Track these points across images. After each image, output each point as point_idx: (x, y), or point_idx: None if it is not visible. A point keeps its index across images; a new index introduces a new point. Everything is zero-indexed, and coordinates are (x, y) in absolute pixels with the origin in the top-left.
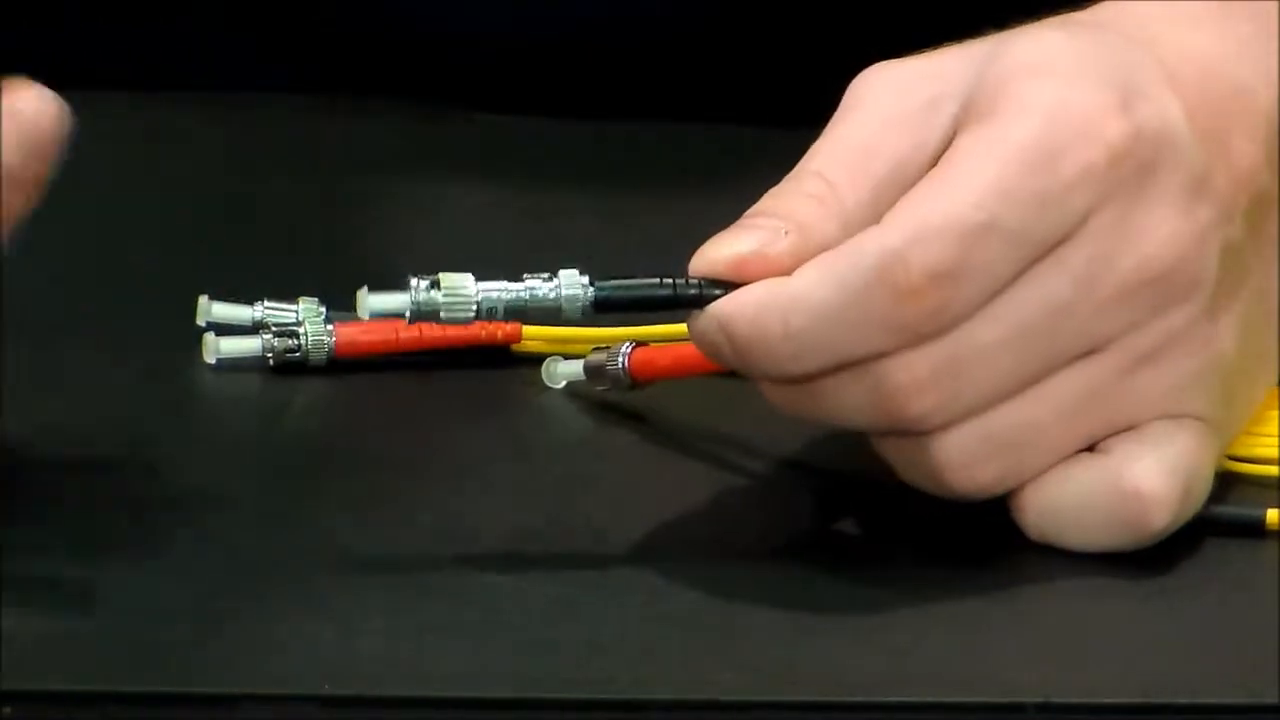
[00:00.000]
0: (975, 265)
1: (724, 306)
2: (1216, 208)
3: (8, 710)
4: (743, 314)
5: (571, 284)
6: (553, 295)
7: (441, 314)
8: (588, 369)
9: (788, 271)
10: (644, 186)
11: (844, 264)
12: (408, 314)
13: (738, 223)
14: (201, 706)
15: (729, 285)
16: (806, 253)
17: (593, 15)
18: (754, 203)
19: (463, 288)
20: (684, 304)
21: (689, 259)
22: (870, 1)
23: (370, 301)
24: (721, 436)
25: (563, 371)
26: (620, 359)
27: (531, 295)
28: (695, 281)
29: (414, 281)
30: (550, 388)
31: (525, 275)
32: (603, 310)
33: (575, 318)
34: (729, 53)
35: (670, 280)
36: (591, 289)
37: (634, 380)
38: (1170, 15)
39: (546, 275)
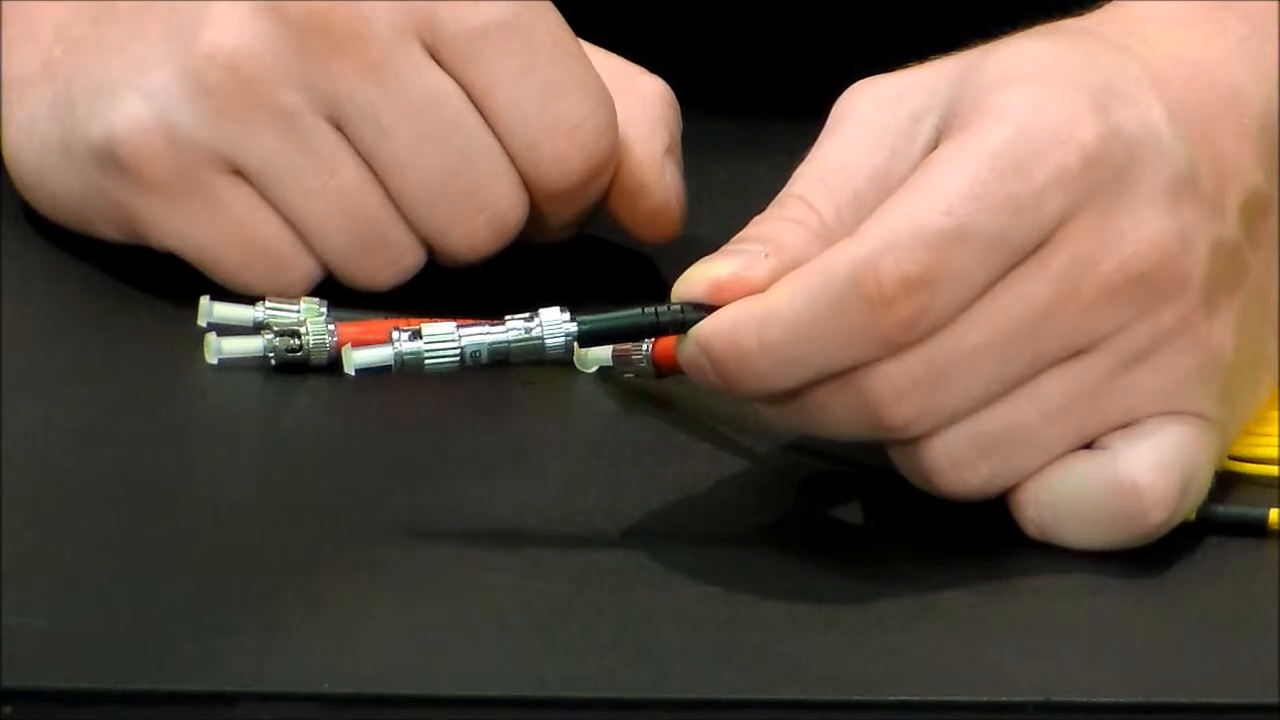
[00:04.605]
0: (949, 272)
1: (703, 328)
2: (1203, 207)
3: (8, 710)
4: (719, 333)
5: (553, 322)
6: (536, 335)
7: (426, 363)
8: (616, 356)
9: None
10: None
11: (816, 277)
12: (393, 366)
13: (721, 249)
14: (201, 706)
15: (711, 309)
16: (786, 273)
17: (594, 9)
18: (756, 198)
19: (445, 335)
20: (667, 330)
21: (690, 260)
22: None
23: (355, 357)
24: (734, 425)
25: (594, 357)
26: (645, 348)
27: (514, 338)
28: (677, 307)
29: (395, 334)
30: (563, 377)
31: (507, 317)
32: (587, 344)
33: (560, 355)
34: (729, 48)
35: (652, 308)
36: (574, 324)
37: (658, 369)
38: (1163, 17)
39: (527, 315)
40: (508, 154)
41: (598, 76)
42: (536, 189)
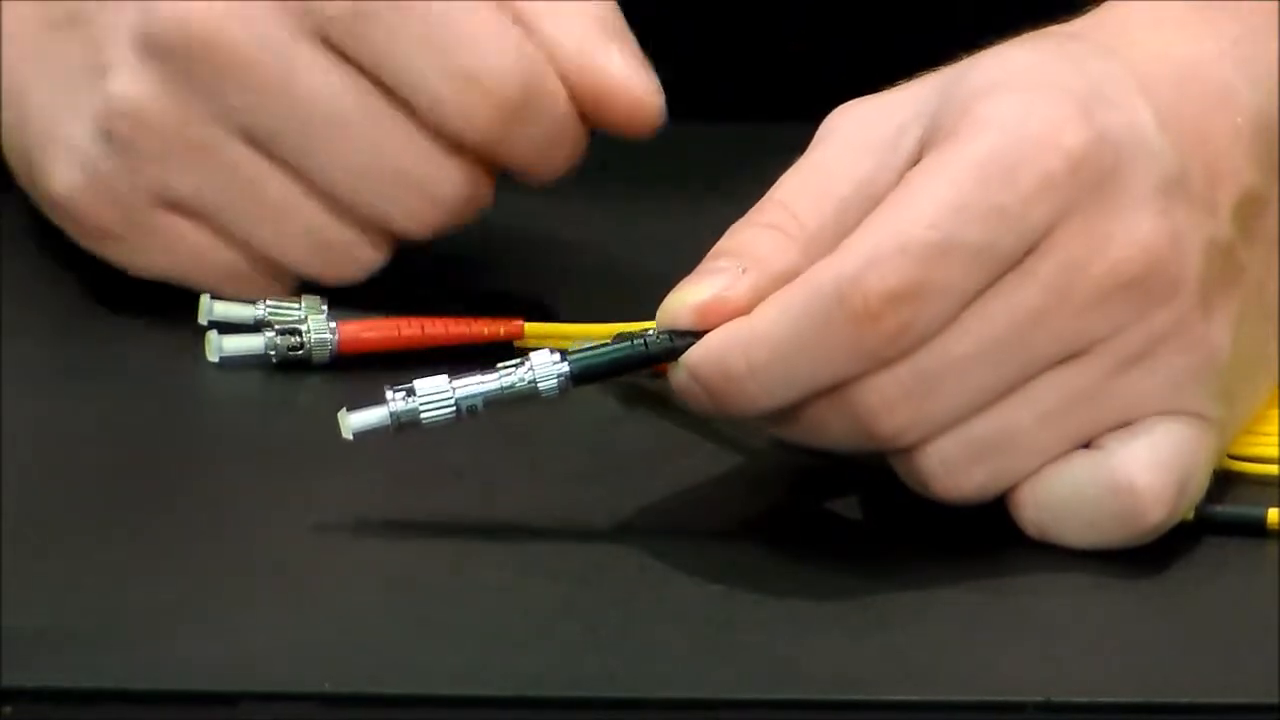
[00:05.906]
0: (935, 284)
1: (691, 356)
2: (1194, 208)
3: (8, 709)
4: (707, 359)
5: (544, 364)
6: (528, 380)
7: (423, 419)
8: None
9: (750, 309)
10: (644, 186)
11: (801, 295)
12: (390, 426)
13: (698, 268)
14: (201, 706)
15: (699, 334)
16: (767, 287)
17: None
18: (753, 201)
19: (439, 390)
20: (658, 359)
21: (689, 260)
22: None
23: (351, 420)
24: (734, 424)
25: None
26: None
27: (507, 385)
28: (665, 335)
29: (389, 394)
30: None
31: (498, 365)
32: (580, 383)
33: (555, 396)
34: (728, 50)
35: (642, 340)
36: (565, 364)
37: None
38: (1153, 19)
39: (518, 361)
40: (418, 123)
41: (488, 18)
42: (459, 143)
